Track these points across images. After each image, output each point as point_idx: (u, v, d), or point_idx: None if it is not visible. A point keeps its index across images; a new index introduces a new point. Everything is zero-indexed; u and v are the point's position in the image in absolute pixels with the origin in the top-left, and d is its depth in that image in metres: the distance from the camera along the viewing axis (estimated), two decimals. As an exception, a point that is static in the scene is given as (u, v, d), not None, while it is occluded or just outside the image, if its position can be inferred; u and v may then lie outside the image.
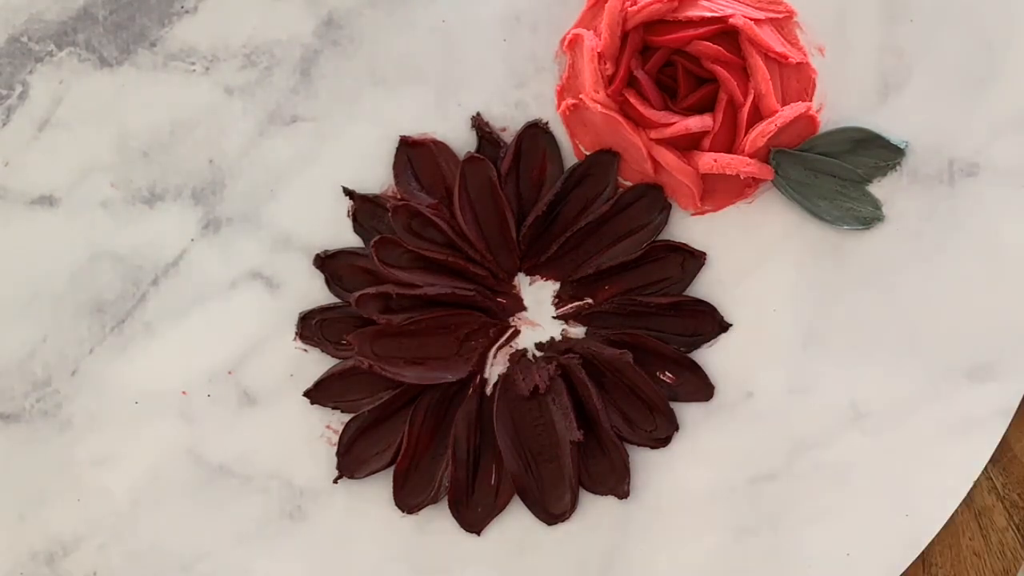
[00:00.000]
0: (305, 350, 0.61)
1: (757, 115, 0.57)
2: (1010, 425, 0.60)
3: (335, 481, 0.60)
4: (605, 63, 0.56)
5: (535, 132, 0.60)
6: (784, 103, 0.57)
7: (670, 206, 0.60)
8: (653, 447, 0.60)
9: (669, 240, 0.60)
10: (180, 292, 0.61)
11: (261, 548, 0.61)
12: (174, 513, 0.61)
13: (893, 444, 0.60)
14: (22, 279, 0.61)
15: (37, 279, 0.61)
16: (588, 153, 0.60)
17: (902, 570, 0.60)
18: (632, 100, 0.57)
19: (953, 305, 0.59)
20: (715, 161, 0.57)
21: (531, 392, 0.59)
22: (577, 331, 0.61)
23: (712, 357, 0.60)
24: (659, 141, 0.57)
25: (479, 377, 0.60)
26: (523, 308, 0.61)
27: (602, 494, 0.60)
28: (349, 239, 0.61)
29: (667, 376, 0.60)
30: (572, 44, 0.58)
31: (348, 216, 0.60)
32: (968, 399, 0.59)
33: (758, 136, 0.56)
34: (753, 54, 0.56)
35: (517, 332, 0.61)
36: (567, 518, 0.60)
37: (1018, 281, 0.59)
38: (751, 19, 0.56)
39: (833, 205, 0.59)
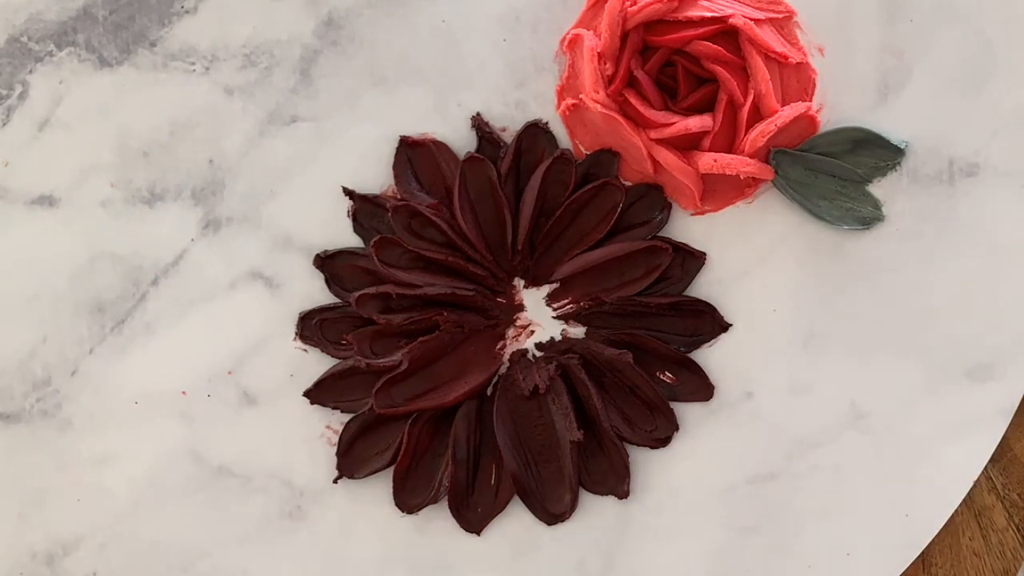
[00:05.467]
0: (305, 350, 0.61)
1: (757, 115, 0.57)
2: (1010, 425, 0.60)
3: (335, 481, 0.60)
4: (605, 63, 0.56)
5: (535, 132, 0.60)
6: (784, 103, 0.57)
7: (670, 206, 0.60)
8: (653, 447, 0.60)
9: (669, 240, 0.60)
10: (180, 292, 0.61)
11: (261, 548, 0.61)
12: (174, 513, 0.61)
13: (893, 444, 0.60)
14: (22, 279, 0.61)
15: (37, 279, 0.61)
16: (588, 153, 0.60)
17: (902, 570, 0.60)
18: (632, 100, 0.57)
19: (953, 305, 0.59)
20: (715, 161, 0.57)
21: (531, 392, 0.59)
22: (577, 331, 0.61)
23: (712, 357, 0.60)
24: (659, 141, 0.57)
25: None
26: (522, 308, 0.61)
27: (602, 494, 0.60)
28: (349, 239, 0.61)
29: (667, 376, 0.60)
30: (572, 44, 0.58)
31: (348, 216, 0.60)
32: (968, 399, 0.59)
33: (758, 136, 0.56)
34: (753, 54, 0.56)
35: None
36: (567, 518, 0.60)
37: (1018, 281, 0.59)
38: (751, 19, 0.56)
39: (833, 205, 0.59)
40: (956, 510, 0.60)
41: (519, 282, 0.61)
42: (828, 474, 0.60)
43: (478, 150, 0.60)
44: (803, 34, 0.59)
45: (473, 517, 0.60)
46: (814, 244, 0.60)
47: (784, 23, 0.58)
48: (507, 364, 0.61)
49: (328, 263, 0.60)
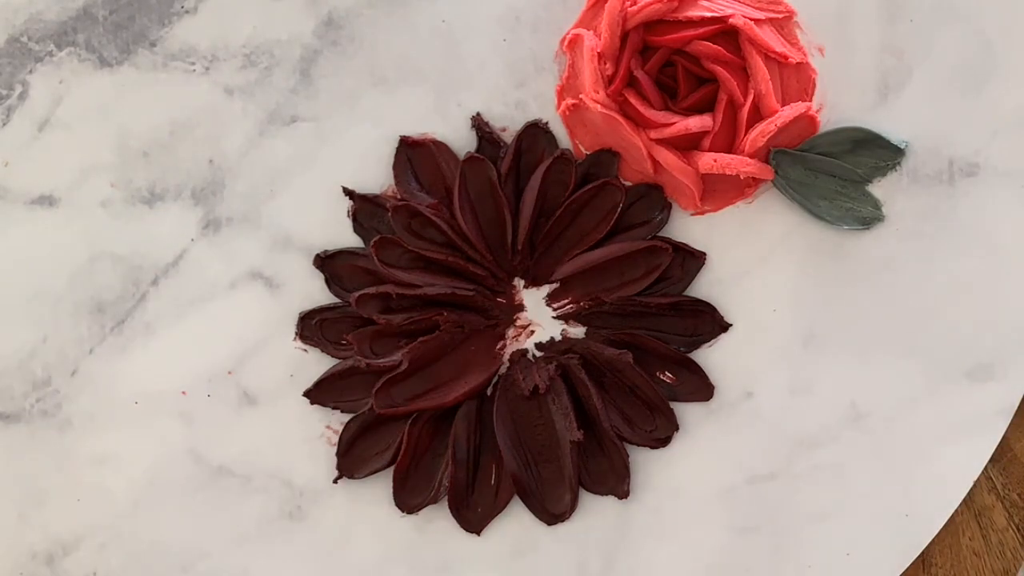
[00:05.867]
0: (305, 350, 0.61)
1: (757, 115, 0.57)
2: (1010, 425, 0.60)
3: (335, 481, 0.60)
4: (605, 63, 0.56)
5: (535, 132, 0.60)
6: (784, 103, 0.57)
7: (670, 206, 0.60)
8: (653, 447, 0.60)
9: (669, 240, 0.60)
10: (180, 292, 0.61)
11: (261, 548, 0.61)
12: (174, 513, 0.61)
13: (893, 444, 0.60)
14: (22, 279, 0.61)
15: (37, 279, 0.61)
16: (588, 153, 0.60)
17: (902, 570, 0.60)
18: (632, 100, 0.57)
19: (953, 305, 0.59)
20: (715, 161, 0.57)
21: (531, 392, 0.59)
22: (577, 331, 0.61)
23: (712, 357, 0.60)
24: (659, 141, 0.57)
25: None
26: (522, 308, 0.61)
27: (602, 494, 0.60)
28: (349, 239, 0.61)
29: (667, 376, 0.60)
30: (572, 44, 0.58)
31: (348, 216, 0.60)
32: (968, 399, 0.59)
33: (758, 136, 0.56)
34: (753, 54, 0.56)
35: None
36: (567, 518, 0.60)
37: (1018, 281, 0.59)
38: (751, 19, 0.56)
39: (833, 205, 0.59)
40: (956, 510, 0.60)
41: (519, 282, 0.61)
42: (828, 474, 0.60)
43: (478, 150, 0.60)
44: (803, 34, 0.59)
45: (473, 517, 0.60)
46: (814, 244, 0.60)
47: (784, 23, 0.58)
48: (507, 364, 0.61)
49: (328, 263, 0.60)
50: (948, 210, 0.59)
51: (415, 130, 0.60)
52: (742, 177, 0.58)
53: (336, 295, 0.60)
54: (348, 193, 0.60)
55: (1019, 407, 0.60)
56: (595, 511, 0.61)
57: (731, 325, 0.60)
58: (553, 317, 0.61)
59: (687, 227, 0.60)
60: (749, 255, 0.60)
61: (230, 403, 0.61)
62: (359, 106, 0.60)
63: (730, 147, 0.58)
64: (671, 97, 0.58)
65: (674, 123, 0.57)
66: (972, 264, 0.59)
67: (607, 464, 0.60)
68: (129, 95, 0.60)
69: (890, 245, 0.59)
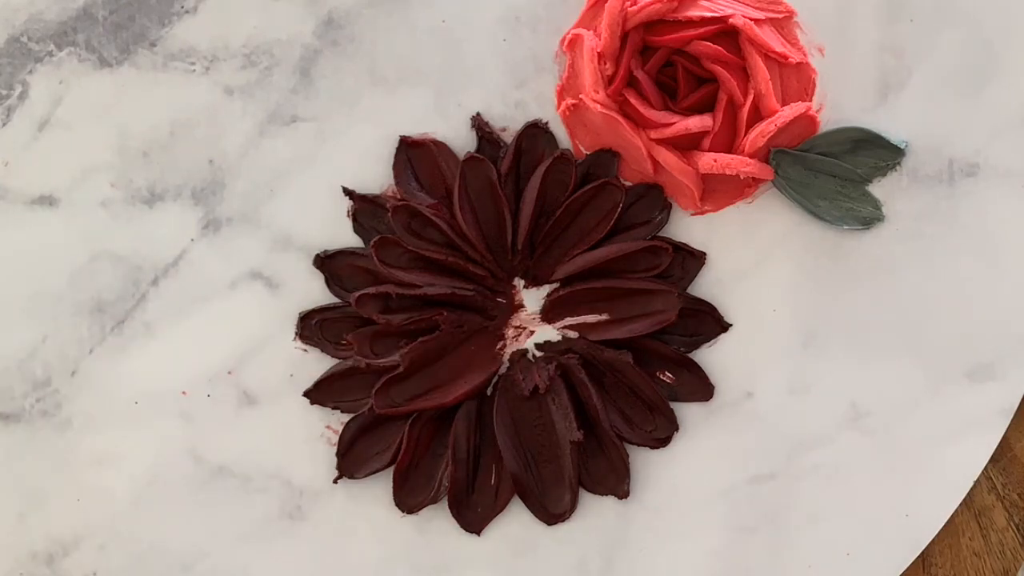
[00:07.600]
0: (305, 350, 0.61)
1: (757, 115, 0.57)
2: (1010, 425, 0.60)
3: (335, 481, 0.60)
4: (605, 63, 0.56)
5: (535, 132, 0.60)
6: (784, 103, 0.57)
7: (670, 206, 0.60)
8: (653, 447, 0.60)
9: (669, 239, 0.60)
10: (180, 292, 0.61)
11: (261, 548, 0.61)
12: (174, 513, 0.61)
13: (893, 444, 0.60)
14: (22, 279, 0.61)
15: (37, 279, 0.61)
16: (588, 153, 0.60)
17: (902, 570, 0.60)
18: (632, 100, 0.57)
19: (953, 305, 0.59)
20: (715, 161, 0.57)
21: (531, 392, 0.59)
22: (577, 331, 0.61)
23: (712, 357, 0.60)
24: (659, 141, 0.57)
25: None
26: (523, 308, 0.61)
27: (602, 494, 0.60)
28: (349, 239, 0.61)
29: (667, 376, 0.60)
30: (572, 44, 0.58)
31: (348, 216, 0.60)
32: (968, 399, 0.59)
33: (758, 136, 0.56)
34: (753, 54, 0.56)
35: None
36: (567, 518, 0.60)
37: (1018, 281, 0.59)
38: (751, 19, 0.56)
39: (833, 205, 0.59)
40: (956, 510, 0.60)
41: (519, 282, 0.61)
42: (828, 474, 0.60)
43: (478, 150, 0.60)
44: (803, 34, 0.59)
45: (473, 517, 0.60)
46: (814, 244, 0.60)
47: (784, 23, 0.58)
48: (507, 364, 0.61)
49: (328, 263, 0.60)
50: (948, 210, 0.59)
51: (415, 130, 0.60)
52: (742, 177, 0.58)
53: (336, 295, 0.60)
54: (348, 193, 0.60)
55: (1019, 407, 0.60)
56: (595, 511, 0.60)
57: (731, 325, 0.60)
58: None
59: (687, 227, 0.60)
60: (749, 255, 0.60)
61: (230, 403, 0.61)
62: (359, 106, 0.60)
63: (730, 147, 0.58)
64: (671, 97, 0.58)
65: (674, 123, 0.57)
66: (972, 264, 0.59)
67: (607, 464, 0.60)
68: (129, 95, 0.60)
69: (890, 245, 0.59)
